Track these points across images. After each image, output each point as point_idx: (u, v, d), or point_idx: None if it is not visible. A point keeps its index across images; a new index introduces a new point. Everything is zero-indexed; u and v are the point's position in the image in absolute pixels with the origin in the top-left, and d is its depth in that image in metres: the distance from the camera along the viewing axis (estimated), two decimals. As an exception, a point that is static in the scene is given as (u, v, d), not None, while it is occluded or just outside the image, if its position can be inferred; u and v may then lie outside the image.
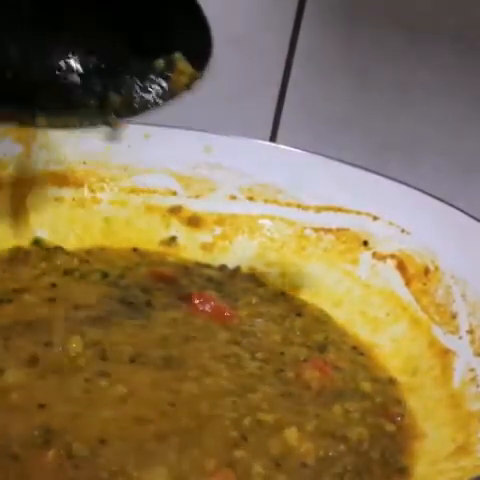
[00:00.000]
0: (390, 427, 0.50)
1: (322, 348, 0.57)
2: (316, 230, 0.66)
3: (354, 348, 0.59)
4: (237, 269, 0.66)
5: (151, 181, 0.68)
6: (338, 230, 0.66)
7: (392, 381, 0.55)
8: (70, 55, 0.51)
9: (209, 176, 0.69)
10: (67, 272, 0.61)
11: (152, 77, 0.54)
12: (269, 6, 0.78)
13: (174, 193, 0.69)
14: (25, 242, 0.63)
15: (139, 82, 0.53)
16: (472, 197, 0.70)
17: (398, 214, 0.63)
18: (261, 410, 0.48)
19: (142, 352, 0.51)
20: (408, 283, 0.61)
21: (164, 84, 0.53)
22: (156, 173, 0.69)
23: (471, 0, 0.71)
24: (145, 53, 0.52)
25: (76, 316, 0.54)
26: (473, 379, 0.51)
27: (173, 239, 0.68)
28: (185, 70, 0.53)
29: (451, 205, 0.60)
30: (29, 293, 0.57)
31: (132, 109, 0.54)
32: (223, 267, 0.66)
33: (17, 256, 0.62)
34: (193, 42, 0.52)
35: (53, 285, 0.59)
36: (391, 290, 0.61)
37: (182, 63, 0.53)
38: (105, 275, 0.61)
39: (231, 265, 0.67)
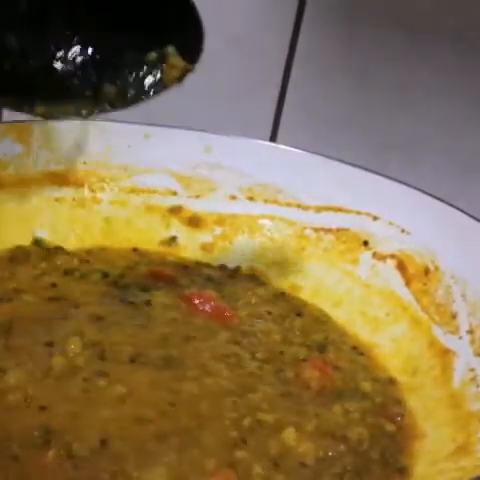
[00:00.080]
0: (390, 427, 0.50)
1: (322, 348, 0.57)
2: (316, 230, 0.66)
3: (354, 348, 0.59)
4: (237, 269, 0.66)
5: (151, 181, 0.68)
6: (338, 230, 0.66)
7: (392, 381, 0.55)
8: (66, 47, 0.52)
9: (209, 176, 0.69)
10: (67, 272, 0.61)
11: (145, 69, 0.54)
12: (269, 6, 0.78)
13: (174, 193, 0.69)
14: (25, 242, 0.63)
15: (133, 74, 0.54)
16: (472, 197, 0.70)
17: (398, 214, 0.63)
18: (261, 410, 0.48)
19: (142, 352, 0.51)
20: (408, 283, 0.61)
21: (157, 76, 0.54)
22: (156, 173, 0.69)
23: (471, 0, 0.71)
24: (139, 46, 0.53)
25: (76, 316, 0.54)
26: (473, 379, 0.51)
27: (173, 239, 0.68)
28: (177, 64, 0.54)
29: (451, 205, 0.60)
30: (29, 293, 0.57)
31: (126, 100, 0.55)
32: (223, 267, 0.66)
33: (17, 256, 0.62)
34: (185, 36, 0.53)
35: (53, 285, 0.59)
36: (391, 290, 0.61)
37: (174, 57, 0.54)
38: (105, 275, 0.61)
39: (231, 265, 0.67)
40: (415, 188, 0.62)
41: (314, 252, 0.66)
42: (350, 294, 0.63)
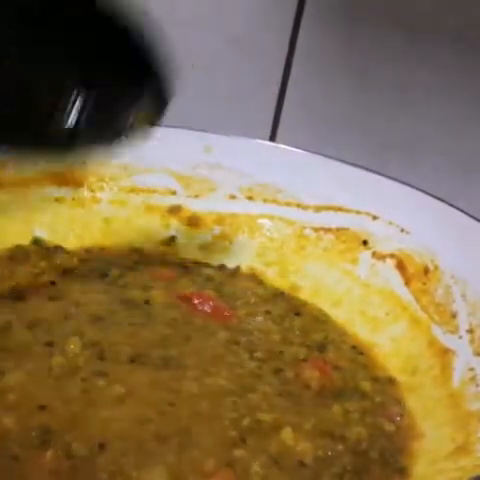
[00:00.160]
0: (389, 427, 0.50)
1: (321, 348, 0.57)
2: (316, 230, 0.66)
3: (353, 347, 0.59)
4: (237, 269, 0.66)
5: (151, 181, 0.68)
6: (338, 230, 0.66)
7: (392, 381, 0.55)
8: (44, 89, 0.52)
9: (209, 176, 0.69)
10: (67, 271, 0.61)
11: (116, 116, 0.54)
12: (269, 6, 0.78)
13: (174, 193, 0.69)
14: (25, 241, 0.63)
15: (106, 118, 0.54)
16: (472, 197, 0.70)
17: (398, 214, 0.63)
18: (260, 410, 0.48)
19: (141, 352, 0.51)
20: (408, 283, 0.60)
21: (126, 123, 0.54)
22: (156, 173, 0.69)
23: (471, 0, 0.71)
24: (111, 93, 0.53)
25: (76, 316, 0.54)
26: (472, 379, 0.51)
27: (173, 239, 0.68)
28: (144, 117, 0.55)
29: (451, 205, 0.60)
30: (29, 292, 0.57)
31: (96, 141, 0.55)
32: (222, 267, 0.66)
33: (17, 255, 0.62)
34: (155, 88, 0.54)
35: (53, 284, 0.59)
36: (391, 290, 0.61)
37: (142, 110, 0.55)
38: (105, 274, 0.61)
39: (231, 265, 0.67)
40: (415, 188, 0.62)
41: (314, 252, 0.66)
42: (350, 294, 0.63)
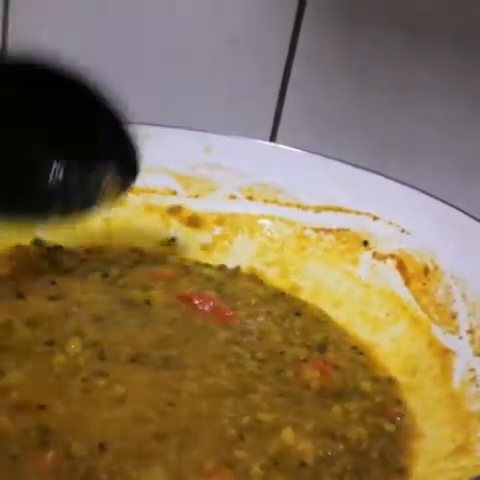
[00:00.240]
0: (389, 427, 0.50)
1: (322, 348, 0.57)
2: (316, 230, 0.66)
3: (354, 348, 0.58)
4: (237, 269, 0.66)
5: (151, 181, 0.68)
6: (338, 230, 0.66)
7: (392, 381, 0.55)
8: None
9: (209, 176, 0.69)
10: (67, 271, 0.61)
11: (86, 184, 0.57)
12: (269, 6, 0.78)
13: (174, 193, 0.69)
14: (25, 241, 0.63)
15: (77, 187, 0.57)
16: (472, 197, 0.70)
17: (398, 214, 0.63)
18: (261, 410, 0.48)
19: (141, 352, 0.51)
20: (408, 283, 0.60)
21: (96, 193, 0.57)
22: (156, 173, 0.69)
23: (471, 0, 0.71)
24: (82, 163, 0.56)
25: (76, 315, 0.54)
26: (473, 379, 0.51)
27: (173, 239, 0.68)
28: (113, 187, 0.57)
29: (451, 205, 0.60)
30: (29, 292, 0.57)
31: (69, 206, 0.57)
32: (223, 267, 0.66)
33: (17, 255, 0.62)
34: (124, 159, 0.57)
35: (53, 283, 0.59)
36: (391, 290, 0.61)
37: (111, 183, 0.57)
38: (105, 274, 0.61)
39: (231, 265, 0.67)
40: (415, 188, 0.62)
41: (314, 252, 0.66)
42: (350, 294, 0.63)
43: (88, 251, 0.65)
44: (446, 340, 0.55)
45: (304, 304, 0.63)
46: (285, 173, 0.68)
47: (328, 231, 0.66)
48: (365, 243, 0.64)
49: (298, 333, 0.58)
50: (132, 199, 0.68)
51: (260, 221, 0.68)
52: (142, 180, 0.68)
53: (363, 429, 0.48)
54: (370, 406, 0.51)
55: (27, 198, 0.55)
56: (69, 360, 0.49)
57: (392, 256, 0.62)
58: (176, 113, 0.83)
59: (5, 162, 0.53)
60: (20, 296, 0.56)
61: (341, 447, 0.46)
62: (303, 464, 0.44)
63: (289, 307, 0.62)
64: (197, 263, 0.66)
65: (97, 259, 0.64)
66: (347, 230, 0.65)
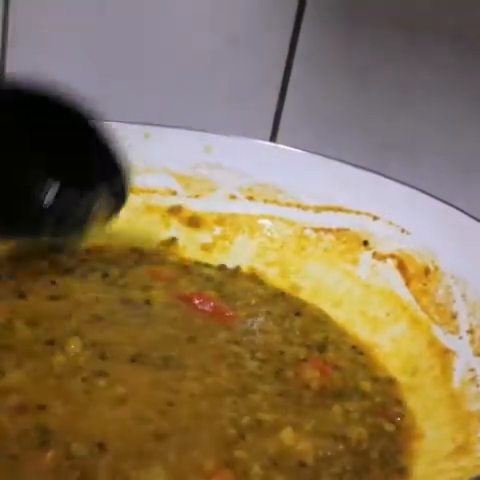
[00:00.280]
0: (389, 427, 0.50)
1: (322, 348, 0.56)
2: (316, 230, 0.66)
3: (354, 348, 0.58)
4: (237, 269, 0.66)
5: (151, 181, 0.68)
6: (338, 230, 0.66)
7: (392, 381, 0.55)
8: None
9: (209, 176, 0.69)
10: (67, 271, 0.61)
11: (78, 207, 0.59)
12: (269, 6, 0.78)
13: (174, 193, 0.69)
14: (25, 241, 0.63)
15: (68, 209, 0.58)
16: (472, 197, 0.70)
17: (398, 214, 0.63)
18: (260, 410, 0.48)
19: (142, 352, 0.51)
20: (408, 283, 0.60)
21: (87, 216, 0.59)
22: (156, 173, 0.69)
23: (471, 0, 0.71)
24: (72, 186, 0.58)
25: (76, 315, 0.54)
26: (473, 379, 0.51)
27: (173, 239, 0.68)
28: (104, 210, 0.59)
29: (451, 205, 0.60)
30: (29, 292, 0.57)
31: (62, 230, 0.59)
32: (223, 267, 0.66)
33: (17, 255, 0.62)
34: (112, 185, 0.59)
35: (53, 283, 0.59)
36: (391, 290, 0.61)
37: (101, 206, 0.59)
38: (105, 274, 0.61)
39: (231, 265, 0.67)
40: (415, 188, 0.62)
41: (314, 252, 0.66)
42: (350, 294, 0.63)
43: (88, 251, 0.65)
44: (446, 340, 0.55)
45: (304, 304, 0.63)
46: (285, 173, 0.67)
47: (328, 231, 0.66)
48: (365, 243, 0.64)
49: (298, 333, 0.58)
50: (132, 199, 0.68)
51: (260, 221, 0.68)
52: (142, 180, 0.68)
53: (363, 429, 0.48)
54: (370, 406, 0.51)
55: (21, 220, 0.56)
56: (69, 360, 0.49)
57: (392, 256, 0.62)
58: (176, 113, 0.83)
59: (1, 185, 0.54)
60: (20, 296, 0.56)
61: (341, 447, 0.46)
62: (303, 464, 0.44)
63: (289, 307, 0.62)
64: (197, 263, 0.66)
65: (97, 259, 0.64)
66: (347, 230, 0.65)
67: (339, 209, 0.66)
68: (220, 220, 0.69)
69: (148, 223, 0.68)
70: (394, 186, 0.63)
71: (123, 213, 0.68)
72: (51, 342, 0.50)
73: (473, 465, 0.44)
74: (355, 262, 0.64)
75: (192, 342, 0.54)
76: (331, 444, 0.46)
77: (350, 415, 0.50)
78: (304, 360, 0.54)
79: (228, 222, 0.69)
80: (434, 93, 0.74)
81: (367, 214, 0.64)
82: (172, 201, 0.69)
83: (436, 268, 0.59)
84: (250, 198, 0.69)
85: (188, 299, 0.59)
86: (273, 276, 0.66)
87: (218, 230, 0.69)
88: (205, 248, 0.68)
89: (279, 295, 0.64)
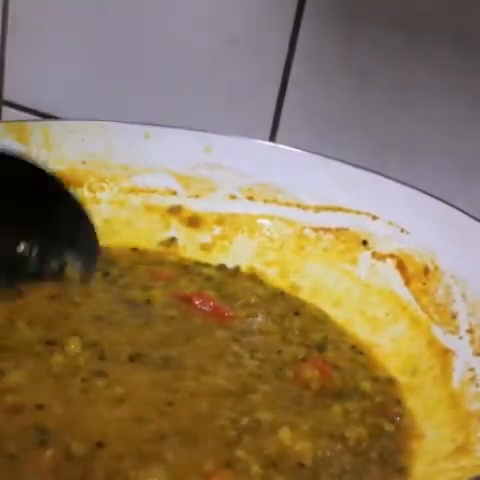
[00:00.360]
0: (389, 427, 0.50)
1: (321, 347, 0.57)
2: (315, 230, 0.66)
3: (353, 347, 0.58)
4: (236, 269, 0.66)
5: (151, 181, 0.68)
6: (337, 230, 0.66)
7: (391, 381, 0.55)
8: None
9: (209, 176, 0.69)
10: None
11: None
12: (269, 6, 0.78)
13: (174, 193, 0.69)
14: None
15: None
16: (472, 197, 0.70)
17: (398, 214, 0.63)
18: (260, 410, 0.48)
19: (141, 352, 0.51)
20: (408, 283, 0.60)
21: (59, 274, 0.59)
22: (156, 173, 0.69)
23: (471, 0, 0.71)
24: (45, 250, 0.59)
25: (76, 315, 0.54)
26: (472, 379, 0.51)
27: (173, 240, 0.68)
28: (73, 276, 0.59)
29: (451, 205, 0.60)
30: (30, 292, 0.57)
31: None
32: (222, 267, 0.66)
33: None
34: (84, 247, 0.60)
35: (53, 283, 0.59)
36: (390, 290, 0.61)
37: (71, 271, 0.59)
38: (105, 274, 0.61)
39: (231, 265, 0.67)
40: (415, 188, 0.62)
41: (313, 252, 0.66)
42: (349, 294, 0.63)
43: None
44: (446, 340, 0.55)
45: (303, 304, 0.63)
46: (285, 173, 0.67)
47: (327, 231, 0.66)
48: (364, 243, 0.64)
49: (297, 333, 0.58)
50: (132, 199, 0.68)
51: (260, 221, 0.68)
52: (142, 180, 0.68)
53: (363, 429, 0.48)
54: (370, 406, 0.51)
55: None
56: (69, 360, 0.49)
57: (392, 256, 0.62)
58: (176, 113, 0.83)
59: None
60: (21, 295, 0.56)
61: (340, 447, 0.46)
62: (302, 464, 0.44)
63: (288, 307, 0.62)
64: (197, 263, 0.66)
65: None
66: (347, 230, 0.65)
67: (339, 209, 0.66)
68: (220, 220, 0.69)
69: (148, 223, 0.68)
70: (394, 186, 0.63)
71: (123, 213, 0.68)
72: (51, 342, 0.50)
73: (473, 465, 0.44)
74: (354, 262, 0.64)
75: (191, 342, 0.54)
76: (330, 444, 0.46)
77: (350, 415, 0.50)
78: (304, 360, 0.54)
79: (228, 222, 0.69)
80: (434, 93, 0.74)
81: (367, 214, 0.64)
82: (172, 201, 0.69)
83: (436, 268, 0.59)
84: (250, 198, 0.68)
85: (188, 299, 0.59)
86: (272, 276, 0.66)
87: (218, 230, 0.68)
88: (205, 248, 0.68)
89: (278, 295, 0.64)
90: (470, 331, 0.54)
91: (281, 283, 0.66)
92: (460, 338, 0.54)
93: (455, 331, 0.55)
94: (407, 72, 0.74)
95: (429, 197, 0.61)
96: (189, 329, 0.55)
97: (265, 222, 0.68)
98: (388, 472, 0.46)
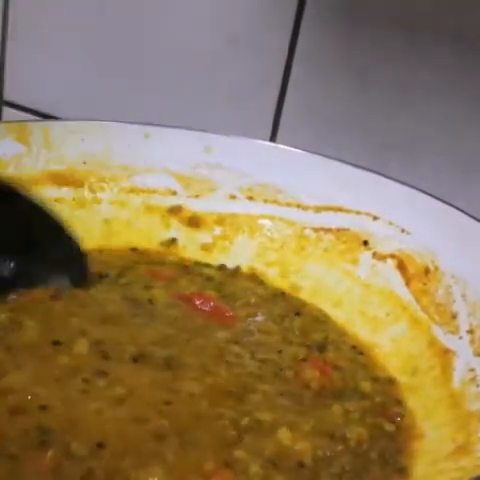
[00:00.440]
0: (389, 427, 0.50)
1: (321, 348, 0.57)
2: (316, 230, 0.66)
3: (353, 348, 0.58)
4: (237, 269, 0.66)
5: (151, 181, 0.68)
6: (338, 230, 0.66)
7: (392, 381, 0.55)
8: None
9: (209, 176, 0.69)
10: None
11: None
12: (269, 6, 0.78)
13: (174, 193, 0.69)
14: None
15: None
16: (472, 197, 0.70)
17: (398, 214, 0.63)
18: (260, 410, 0.48)
19: (143, 351, 0.51)
20: (408, 283, 0.60)
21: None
22: (156, 173, 0.69)
23: (471, 0, 0.71)
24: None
25: (79, 315, 0.54)
26: (473, 379, 0.51)
27: (173, 240, 0.68)
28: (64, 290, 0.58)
29: (451, 205, 0.60)
30: (31, 291, 0.57)
31: None
32: (223, 267, 0.66)
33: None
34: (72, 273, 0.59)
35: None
36: (391, 290, 0.61)
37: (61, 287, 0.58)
38: (105, 275, 0.61)
39: (231, 265, 0.67)
40: (415, 188, 0.62)
41: (314, 252, 0.66)
42: (350, 294, 0.63)
43: (89, 252, 0.65)
44: (446, 340, 0.55)
45: (304, 304, 0.63)
46: (285, 173, 0.67)
47: (328, 231, 0.66)
48: (365, 243, 0.64)
49: (298, 333, 0.58)
50: (132, 199, 0.68)
51: (260, 221, 0.68)
52: (142, 180, 0.68)
53: (363, 429, 0.48)
54: (370, 406, 0.51)
55: None
56: (71, 360, 0.49)
57: (392, 256, 0.62)
58: (176, 113, 0.83)
59: None
60: (23, 296, 0.56)
61: (340, 447, 0.46)
62: (302, 464, 0.44)
63: (289, 307, 0.62)
64: (197, 263, 0.66)
65: (97, 259, 0.64)
66: (347, 230, 0.65)
67: (339, 209, 0.66)
68: (220, 220, 0.69)
69: (148, 223, 0.68)
70: (394, 186, 0.63)
71: (123, 213, 0.68)
72: (55, 342, 0.50)
73: (473, 465, 0.44)
74: (355, 262, 0.64)
75: (192, 342, 0.54)
76: (331, 444, 0.46)
77: (350, 415, 0.50)
78: (304, 360, 0.54)
79: (228, 222, 0.69)
80: (434, 93, 0.74)
81: (367, 214, 0.64)
82: (172, 201, 0.69)
83: (436, 268, 0.59)
84: (250, 198, 0.68)
85: (188, 299, 0.59)
86: (273, 276, 0.66)
87: (218, 230, 0.68)
88: (205, 248, 0.68)
89: (279, 295, 0.64)
90: (470, 331, 0.54)
91: (281, 283, 0.66)
92: (460, 338, 0.54)
93: (455, 331, 0.55)
94: (407, 72, 0.75)
95: (429, 197, 0.61)
96: (189, 329, 0.55)
97: (265, 222, 0.68)
98: (388, 472, 0.46)
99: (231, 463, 0.43)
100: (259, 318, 0.59)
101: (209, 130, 0.69)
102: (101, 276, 0.61)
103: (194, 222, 0.68)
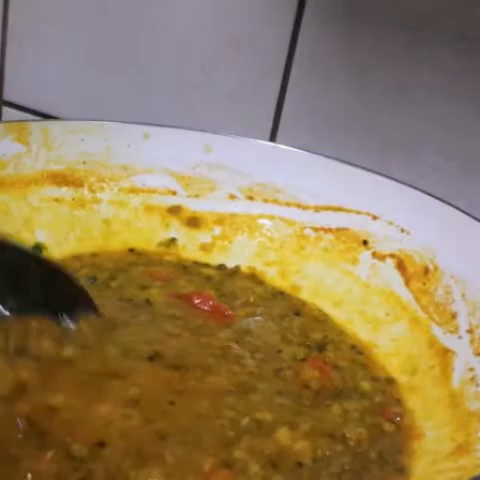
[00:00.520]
0: (389, 427, 0.50)
1: (321, 347, 0.57)
2: (316, 230, 0.66)
3: (353, 347, 0.58)
4: (236, 269, 0.66)
5: (151, 181, 0.68)
6: (338, 230, 0.66)
7: (391, 381, 0.55)
8: None
9: (209, 176, 0.69)
10: None
11: None
12: (269, 6, 0.78)
13: (174, 193, 0.69)
14: (24, 242, 0.63)
15: None
16: (472, 197, 0.70)
17: (398, 214, 0.63)
18: (260, 409, 0.48)
19: (142, 351, 0.51)
20: (408, 283, 0.60)
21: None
22: (156, 173, 0.68)
23: (472, 0, 0.71)
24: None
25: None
26: (472, 379, 0.51)
27: (173, 240, 0.68)
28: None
29: (451, 205, 0.60)
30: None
31: None
32: (222, 266, 0.66)
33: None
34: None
35: None
36: (391, 290, 0.61)
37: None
38: (94, 278, 0.61)
39: (231, 265, 0.67)
40: (415, 188, 0.62)
41: (313, 252, 0.66)
42: (349, 294, 0.63)
43: (94, 254, 0.65)
44: (446, 340, 0.55)
45: (303, 303, 0.63)
46: (285, 173, 0.67)
47: (328, 231, 0.66)
48: (365, 243, 0.64)
49: (297, 332, 0.58)
50: (132, 199, 0.68)
51: (260, 221, 0.68)
52: (142, 180, 0.68)
53: (362, 429, 0.48)
54: (369, 406, 0.51)
55: None
56: (73, 359, 0.49)
57: (392, 256, 0.62)
58: (176, 113, 0.83)
59: None
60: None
61: (340, 447, 0.46)
62: (301, 464, 0.44)
63: (288, 306, 0.62)
64: (196, 263, 0.66)
65: (98, 259, 0.64)
66: (347, 230, 0.65)
67: (339, 209, 0.66)
68: (220, 220, 0.69)
69: (148, 223, 0.68)
70: (394, 186, 0.63)
71: (123, 213, 0.68)
72: (56, 341, 0.50)
73: (473, 465, 0.44)
74: (355, 262, 0.64)
75: (191, 341, 0.54)
76: (330, 444, 0.46)
77: (349, 415, 0.50)
78: (303, 360, 0.54)
79: (228, 222, 0.68)
80: (435, 93, 0.74)
81: (367, 214, 0.64)
82: (172, 201, 0.69)
83: (436, 268, 0.59)
84: (250, 198, 0.68)
85: (188, 298, 0.59)
86: (273, 276, 0.66)
87: (218, 230, 0.68)
88: (205, 248, 0.68)
89: (278, 295, 0.64)
90: (470, 331, 0.54)
91: (281, 283, 0.65)
92: (460, 338, 0.54)
93: (455, 331, 0.55)
94: (407, 72, 0.74)
95: (429, 197, 0.61)
96: (189, 329, 0.55)
97: (265, 222, 0.68)
98: (388, 472, 0.46)
99: (230, 463, 0.43)
100: (258, 318, 0.59)
101: (209, 130, 0.69)
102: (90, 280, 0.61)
103: (194, 222, 0.68)
